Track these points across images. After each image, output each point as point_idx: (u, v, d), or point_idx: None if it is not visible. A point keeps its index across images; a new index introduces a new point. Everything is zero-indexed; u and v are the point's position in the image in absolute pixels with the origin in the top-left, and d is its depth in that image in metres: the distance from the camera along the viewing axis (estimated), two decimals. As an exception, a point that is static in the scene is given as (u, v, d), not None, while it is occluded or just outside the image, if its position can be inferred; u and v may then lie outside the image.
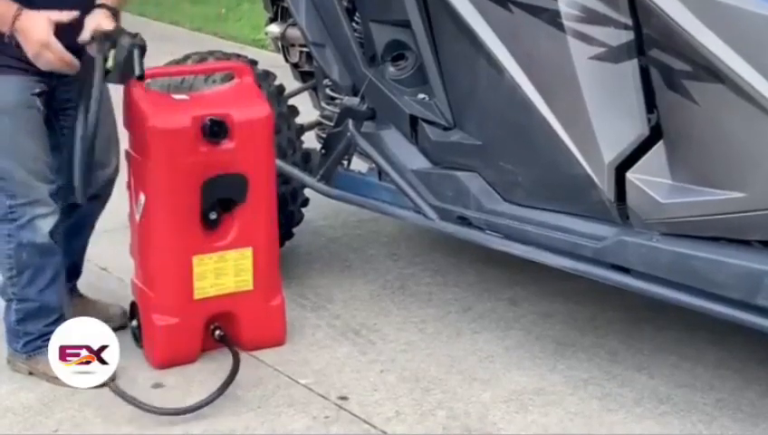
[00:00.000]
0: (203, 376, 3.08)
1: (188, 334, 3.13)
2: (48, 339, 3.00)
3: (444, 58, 3.23)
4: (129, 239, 3.28)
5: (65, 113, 3.06)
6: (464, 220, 3.29)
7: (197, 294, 3.10)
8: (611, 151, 2.84)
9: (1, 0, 2.82)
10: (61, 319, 3.06)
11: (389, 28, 3.36)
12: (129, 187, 3.20)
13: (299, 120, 3.84)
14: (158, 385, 3.07)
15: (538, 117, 2.93)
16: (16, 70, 2.90)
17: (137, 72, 2.87)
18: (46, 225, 2.99)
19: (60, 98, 3.04)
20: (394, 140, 3.43)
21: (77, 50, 2.92)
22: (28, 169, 2.96)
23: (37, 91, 2.93)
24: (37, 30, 2.82)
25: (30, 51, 2.84)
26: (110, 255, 3.87)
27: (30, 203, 2.97)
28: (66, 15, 2.85)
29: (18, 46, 2.85)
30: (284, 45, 4.08)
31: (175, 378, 3.10)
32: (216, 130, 3.02)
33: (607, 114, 2.81)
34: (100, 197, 3.24)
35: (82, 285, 3.57)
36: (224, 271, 3.12)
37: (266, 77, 3.71)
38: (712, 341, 3.28)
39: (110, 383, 3.00)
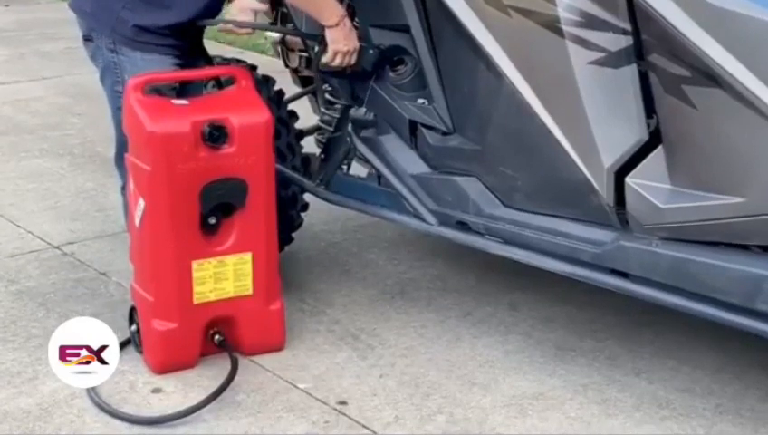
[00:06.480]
0: (202, 381, 3.08)
1: (188, 339, 3.13)
2: None
3: (443, 63, 3.23)
4: (129, 244, 3.28)
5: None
6: (463, 225, 3.28)
7: (197, 299, 3.10)
8: (611, 156, 2.84)
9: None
10: None
11: (389, 33, 3.35)
12: (127, 191, 3.20)
13: (298, 124, 3.84)
14: (157, 390, 3.06)
15: (537, 122, 2.93)
16: (161, 47, 3.24)
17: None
18: None
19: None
20: (393, 144, 3.43)
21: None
22: None
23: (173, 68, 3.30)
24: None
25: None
26: (109, 259, 3.88)
27: None
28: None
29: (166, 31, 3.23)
30: (284, 50, 4.07)
31: (174, 383, 3.09)
32: (215, 135, 3.02)
33: (606, 119, 2.81)
34: None
35: (82, 290, 3.57)
36: (223, 276, 3.12)
37: (266, 82, 3.71)
38: (711, 346, 3.28)
39: (90, 389, 3.00)
